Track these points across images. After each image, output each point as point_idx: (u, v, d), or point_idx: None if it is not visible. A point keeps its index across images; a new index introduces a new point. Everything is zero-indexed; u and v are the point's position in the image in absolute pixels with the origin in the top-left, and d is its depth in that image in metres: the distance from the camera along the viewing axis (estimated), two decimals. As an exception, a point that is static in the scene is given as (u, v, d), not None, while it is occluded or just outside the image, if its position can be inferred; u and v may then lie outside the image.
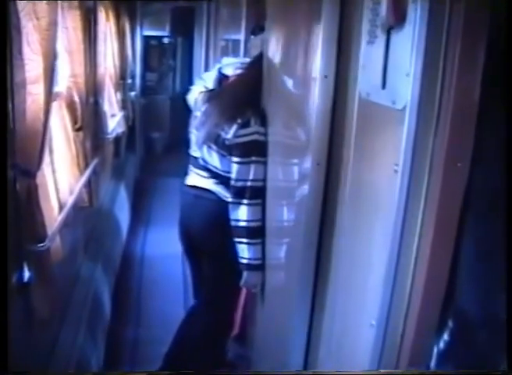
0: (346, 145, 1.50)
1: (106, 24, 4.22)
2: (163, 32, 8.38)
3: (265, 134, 2.25)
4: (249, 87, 2.37)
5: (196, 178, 2.46)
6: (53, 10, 2.11)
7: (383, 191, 1.15)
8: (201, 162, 2.41)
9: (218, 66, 2.69)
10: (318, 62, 1.57)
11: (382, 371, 1.20)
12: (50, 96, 2.08)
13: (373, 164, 1.26)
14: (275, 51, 2.20)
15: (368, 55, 1.21)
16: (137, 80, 7.10)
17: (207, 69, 5.99)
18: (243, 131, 2.25)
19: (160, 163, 7.78)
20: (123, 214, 4.88)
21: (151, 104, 8.12)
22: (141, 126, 7.26)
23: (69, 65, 2.84)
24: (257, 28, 2.64)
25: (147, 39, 7.98)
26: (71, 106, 2.93)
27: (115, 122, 4.71)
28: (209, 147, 2.34)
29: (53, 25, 2.11)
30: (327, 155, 1.60)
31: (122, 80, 5.72)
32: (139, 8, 6.93)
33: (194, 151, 2.45)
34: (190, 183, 2.51)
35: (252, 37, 2.65)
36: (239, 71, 2.53)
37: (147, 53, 8.12)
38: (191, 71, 8.05)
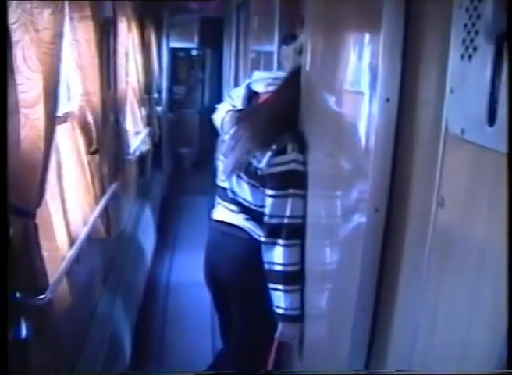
0: (416, 190, 1.15)
1: (128, 36, 3.93)
2: (191, 44, 8.13)
3: (304, 163, 1.95)
4: (285, 107, 2.06)
5: (224, 212, 2.14)
6: (58, 21, 1.82)
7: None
8: (230, 194, 2.09)
9: (247, 81, 2.39)
10: (376, 80, 1.23)
11: (382, 371, 1.15)
12: (52, 121, 1.78)
13: (464, 215, 0.92)
14: (316, 64, 1.87)
15: (461, 75, 0.87)
16: (164, 94, 6.82)
17: (236, 82, 5.74)
18: (278, 159, 1.94)
19: (188, 180, 7.52)
20: (148, 238, 4.58)
21: (179, 119, 7.88)
22: (168, 142, 6.99)
23: (81, 82, 2.54)
24: (288, 37, 2.32)
25: (174, 51, 7.74)
26: (85, 127, 2.64)
27: (139, 140, 4.43)
28: (239, 177, 2.02)
29: (58, 37, 1.82)
30: (387, 200, 1.25)
31: (148, 95, 5.44)
32: (165, 19, 6.67)
33: (222, 181, 2.13)
34: (217, 218, 2.19)
35: (283, 47, 2.33)
36: (271, 88, 2.23)
37: (175, 66, 7.88)
38: (220, 84, 7.81)
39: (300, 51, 2.21)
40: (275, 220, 1.96)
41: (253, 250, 2.04)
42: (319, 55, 1.83)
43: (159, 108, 6.42)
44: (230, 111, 2.31)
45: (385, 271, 1.31)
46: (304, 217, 1.96)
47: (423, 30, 1.14)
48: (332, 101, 1.75)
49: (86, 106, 2.61)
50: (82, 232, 2.31)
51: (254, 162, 1.96)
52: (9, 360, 1.22)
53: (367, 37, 1.36)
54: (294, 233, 1.95)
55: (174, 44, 7.58)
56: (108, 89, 3.13)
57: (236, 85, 5.76)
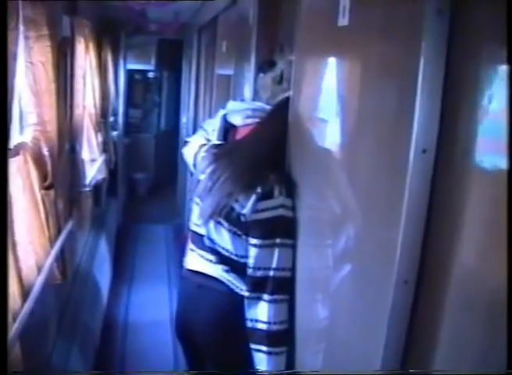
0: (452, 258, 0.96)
1: (85, 57, 3.66)
2: (148, 65, 7.89)
3: (293, 208, 1.74)
4: (270, 143, 1.86)
5: (199, 262, 1.90)
6: (11, 40, 1.57)
7: None
8: (207, 241, 1.85)
9: (222, 112, 2.17)
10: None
11: (382, 371, 1.10)
12: None
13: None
14: (308, 97, 1.67)
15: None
16: (120, 118, 6.54)
17: (196, 106, 5.54)
18: (264, 204, 1.72)
19: (144, 208, 7.23)
20: (104, 274, 4.29)
21: (135, 143, 7.60)
22: (124, 167, 6.69)
23: (35, 109, 2.27)
24: (266, 64, 2.12)
25: (130, 73, 7.46)
26: (39, 160, 2.37)
27: (95, 168, 4.14)
28: (218, 223, 1.79)
29: (11, 59, 1.57)
30: (418, 270, 1.05)
31: (104, 119, 5.16)
32: (123, 40, 6.42)
33: (197, 227, 1.90)
34: (191, 268, 1.95)
35: (261, 75, 2.13)
36: (250, 120, 2.02)
37: (131, 88, 7.60)
38: (178, 108, 7.59)
39: (279, 81, 2.02)
40: (259, 273, 1.74)
41: (233, 305, 1.81)
42: (313, 87, 1.63)
43: (115, 133, 6.13)
44: (204, 145, 2.08)
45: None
46: (292, 269, 1.74)
47: (462, 73, 0.95)
48: (326, 138, 1.55)
49: (40, 136, 2.34)
50: (37, 281, 2.02)
51: (237, 206, 1.74)
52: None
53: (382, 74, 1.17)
54: (282, 287, 1.73)
55: (131, 66, 7.32)
56: (65, 116, 2.86)
57: (197, 110, 5.57)
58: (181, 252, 5.58)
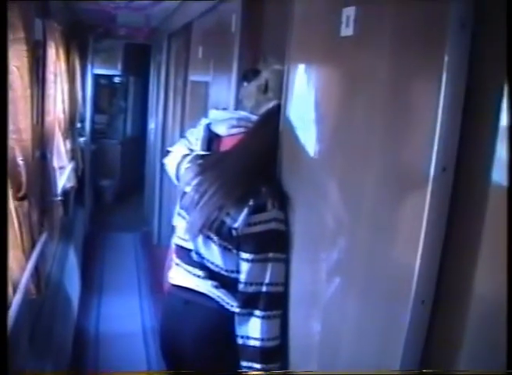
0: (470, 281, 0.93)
1: (56, 62, 3.56)
2: (114, 70, 7.76)
3: (286, 222, 1.70)
4: (261, 154, 1.82)
5: (186, 277, 1.84)
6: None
7: None
8: (195, 256, 1.79)
9: (204, 121, 2.12)
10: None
11: (382, 371, 1.12)
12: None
13: None
14: (304, 108, 1.63)
15: None
16: (87, 124, 6.42)
17: (166, 113, 5.46)
18: (256, 218, 1.68)
19: (111, 215, 7.09)
20: (73, 286, 4.16)
21: (101, 149, 7.45)
22: (90, 174, 6.56)
23: (10, 117, 2.17)
24: (250, 72, 2.07)
25: (96, 78, 7.32)
26: (13, 170, 2.26)
27: (64, 177, 4.03)
28: (208, 237, 1.73)
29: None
30: (435, 289, 1.02)
31: (71, 126, 5.04)
32: (91, 44, 6.29)
33: (184, 241, 1.83)
34: (177, 283, 1.88)
35: (244, 84, 2.08)
36: (235, 130, 1.97)
37: (97, 93, 7.45)
38: (145, 114, 7.47)
39: (264, 90, 1.98)
40: (252, 288, 1.69)
41: (223, 322, 1.76)
42: (310, 98, 1.59)
43: (82, 139, 6.01)
44: (188, 156, 2.02)
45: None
46: (286, 284, 1.70)
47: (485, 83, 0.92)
48: (325, 152, 1.52)
49: (15, 145, 2.24)
50: (13, 300, 1.93)
51: (228, 220, 1.69)
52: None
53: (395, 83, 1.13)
54: (274, 303, 1.69)
55: (97, 71, 7.18)
56: (37, 123, 2.76)
57: (166, 116, 5.50)
58: (150, 261, 5.49)
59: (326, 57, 1.48)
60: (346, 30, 1.29)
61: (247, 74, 2.09)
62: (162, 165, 5.63)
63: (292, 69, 1.71)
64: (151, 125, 6.77)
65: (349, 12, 1.28)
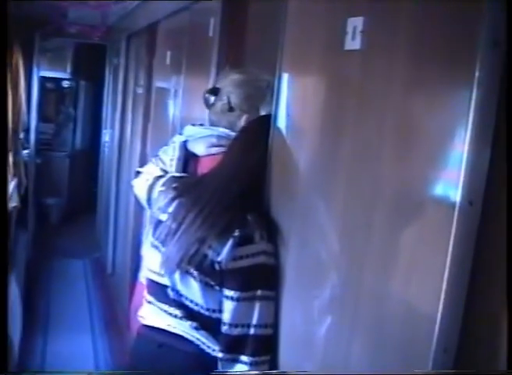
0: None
1: None
2: (63, 73, 7.69)
3: (276, 255, 1.70)
4: (244, 177, 1.81)
5: (161, 317, 1.82)
6: None
7: None
8: (171, 293, 1.78)
9: (179, 138, 2.13)
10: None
11: (381, 371, 1.16)
12: None
13: None
14: (296, 123, 1.65)
15: None
16: (31, 134, 6.32)
17: (123, 123, 5.44)
18: (243, 250, 1.67)
19: (58, 238, 6.99)
20: (14, 321, 4.07)
21: (47, 163, 7.33)
22: (34, 192, 6.46)
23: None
24: (210, 95, 2.09)
25: (43, 81, 7.23)
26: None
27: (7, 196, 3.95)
28: (187, 272, 1.73)
29: None
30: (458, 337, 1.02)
31: (14, 136, 4.97)
32: (37, 43, 6.22)
33: (158, 276, 1.81)
34: (150, 324, 1.86)
35: (208, 107, 2.09)
36: (215, 150, 2.00)
37: (43, 99, 7.36)
38: (98, 123, 7.40)
39: (229, 108, 2.00)
40: (237, 330, 1.68)
41: (203, 369, 1.74)
42: (308, 114, 1.60)
43: (25, 152, 5.92)
44: (161, 178, 2.02)
45: None
46: (275, 326, 1.69)
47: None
48: (318, 170, 1.53)
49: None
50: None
51: (210, 253, 1.68)
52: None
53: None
54: (263, 347, 1.68)
55: (43, 73, 7.09)
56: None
57: (123, 127, 5.47)
58: (103, 292, 5.42)
59: (326, 73, 1.49)
60: (352, 44, 1.30)
61: (207, 96, 2.10)
62: (118, 182, 5.61)
63: (284, 82, 1.71)
64: (106, 137, 6.72)
65: (356, 22, 1.29)
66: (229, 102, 1.99)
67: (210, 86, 2.42)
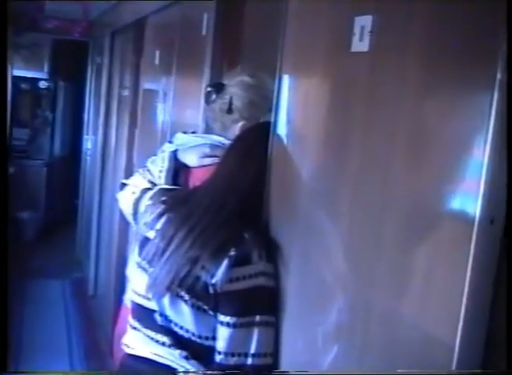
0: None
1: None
2: (40, 73, 7.71)
3: (277, 276, 1.72)
4: (240, 191, 1.83)
5: (147, 345, 1.84)
6: None
7: None
8: (159, 319, 1.80)
9: (169, 147, 2.16)
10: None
11: (382, 371, 1.21)
12: None
13: None
14: (298, 129, 1.67)
15: None
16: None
17: (107, 127, 5.45)
18: (240, 271, 1.69)
19: (33, 256, 6.99)
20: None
21: (21, 172, 7.33)
22: (7, 205, 6.45)
23: None
24: (213, 88, 2.10)
25: (17, 82, 7.25)
26: None
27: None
28: (177, 296, 1.74)
29: None
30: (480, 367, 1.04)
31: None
32: (10, 38, 6.22)
33: (144, 300, 1.83)
34: (134, 353, 1.87)
35: (207, 99, 2.11)
36: (209, 160, 2.03)
37: (17, 102, 7.38)
38: (79, 128, 7.41)
39: (228, 110, 2.02)
40: (233, 360, 1.70)
41: (195, 403, 1.75)
42: (311, 119, 1.62)
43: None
44: (149, 190, 2.05)
45: None
46: (275, 355, 1.71)
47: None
48: (322, 182, 1.54)
49: None
50: None
51: (203, 275, 1.69)
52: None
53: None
54: (261, 378, 1.69)
55: (16, 73, 7.10)
56: None
57: (107, 133, 5.49)
58: (84, 316, 5.42)
59: (331, 77, 1.51)
60: (360, 45, 1.31)
61: (210, 90, 2.11)
62: (101, 195, 5.63)
63: (285, 85, 1.74)
64: (87, 144, 6.74)
65: (363, 21, 1.31)
66: (230, 103, 2.01)
67: (204, 89, 2.45)
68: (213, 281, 1.68)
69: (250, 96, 2.02)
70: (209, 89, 2.10)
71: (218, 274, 1.67)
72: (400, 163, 1.22)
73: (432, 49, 1.14)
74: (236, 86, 2.03)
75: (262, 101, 2.01)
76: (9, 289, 5.71)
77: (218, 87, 2.08)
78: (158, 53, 3.47)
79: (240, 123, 2.01)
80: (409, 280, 1.19)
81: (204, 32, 2.51)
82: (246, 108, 1.98)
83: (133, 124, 4.31)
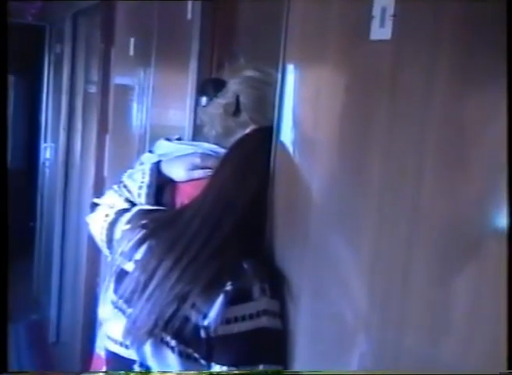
0: None
1: None
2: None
3: (283, 316, 1.75)
4: (238, 211, 1.85)
5: (126, 403, 1.85)
6: None
7: None
8: (139, 370, 1.81)
9: (149, 157, 2.18)
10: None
11: (382, 371, 1.30)
12: None
13: None
14: (306, 132, 1.70)
15: None
16: None
17: (70, 131, 5.46)
18: (238, 310, 1.71)
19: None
20: None
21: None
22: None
23: None
24: (210, 85, 2.11)
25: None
26: None
27: None
28: (161, 341, 1.76)
29: None
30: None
31: None
32: None
33: (121, 347, 1.86)
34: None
35: (203, 102, 2.11)
36: (199, 173, 2.05)
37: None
38: (35, 133, 7.41)
39: (235, 111, 2.02)
40: (231, 421, 1.72)
41: None
42: (322, 120, 1.65)
43: None
44: (126, 212, 2.06)
45: None
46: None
47: None
48: (337, 198, 1.56)
49: None
50: None
51: (193, 315, 1.71)
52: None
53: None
54: None
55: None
56: None
57: (70, 139, 5.50)
58: (44, 368, 5.40)
59: (346, 71, 1.53)
60: (381, 32, 1.33)
61: (207, 88, 2.12)
62: (65, 216, 5.63)
63: (290, 78, 1.75)
64: (46, 153, 6.74)
65: (385, 2, 1.32)
66: (237, 103, 2.00)
67: (190, 85, 2.48)
68: (205, 323, 1.70)
69: (261, 94, 2.02)
70: (206, 87, 2.10)
71: (212, 314, 1.70)
72: (432, 174, 1.24)
73: (468, 36, 1.16)
74: (241, 83, 2.03)
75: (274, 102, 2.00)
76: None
77: (216, 85, 2.07)
78: (132, 41, 3.49)
79: (250, 128, 2.00)
80: (447, 318, 1.21)
81: (189, 15, 2.53)
82: (257, 109, 1.98)
83: (102, 128, 4.31)
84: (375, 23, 1.36)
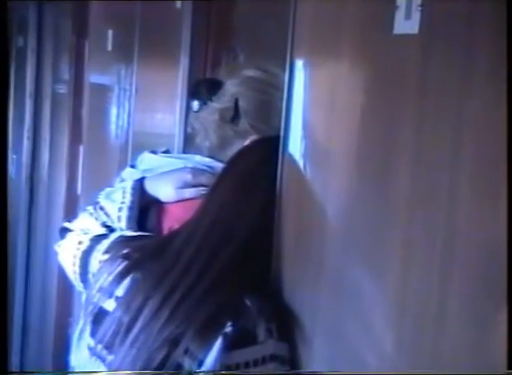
0: None
1: None
2: None
3: (293, 361, 1.76)
4: (244, 237, 1.87)
5: None
6: None
7: None
8: None
9: (131, 173, 2.18)
10: None
11: (381, 371, 1.39)
12: None
13: None
14: (317, 142, 1.70)
15: None
16: None
17: (36, 141, 5.47)
18: (240, 355, 1.73)
19: None
20: None
21: None
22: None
23: None
24: (203, 86, 2.12)
25: None
26: None
27: None
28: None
29: None
30: None
31: None
32: None
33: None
34: None
35: (195, 107, 2.12)
36: (189, 191, 2.07)
37: None
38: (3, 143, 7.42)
39: (234, 117, 2.03)
40: None
41: None
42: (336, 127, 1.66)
43: None
44: (104, 238, 2.07)
45: None
46: None
47: None
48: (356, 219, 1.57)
49: None
50: None
51: (187, 362, 1.73)
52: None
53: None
54: None
55: None
56: None
57: (36, 150, 5.50)
58: None
59: (367, 69, 1.54)
60: (406, 25, 1.34)
61: (200, 89, 2.13)
62: (29, 243, 5.64)
63: (299, 77, 1.76)
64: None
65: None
66: (235, 108, 2.02)
67: (180, 87, 2.49)
68: (201, 370, 1.71)
69: (264, 98, 2.03)
70: (200, 88, 2.12)
71: (209, 361, 1.71)
72: (466, 190, 1.24)
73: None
74: (241, 84, 2.05)
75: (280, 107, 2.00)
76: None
77: (211, 86, 2.08)
78: (110, 33, 3.50)
79: (251, 138, 2.01)
80: (490, 363, 1.21)
81: (178, 4, 2.55)
82: (259, 115, 1.99)
83: (75, 138, 4.33)
84: (400, 15, 1.36)
